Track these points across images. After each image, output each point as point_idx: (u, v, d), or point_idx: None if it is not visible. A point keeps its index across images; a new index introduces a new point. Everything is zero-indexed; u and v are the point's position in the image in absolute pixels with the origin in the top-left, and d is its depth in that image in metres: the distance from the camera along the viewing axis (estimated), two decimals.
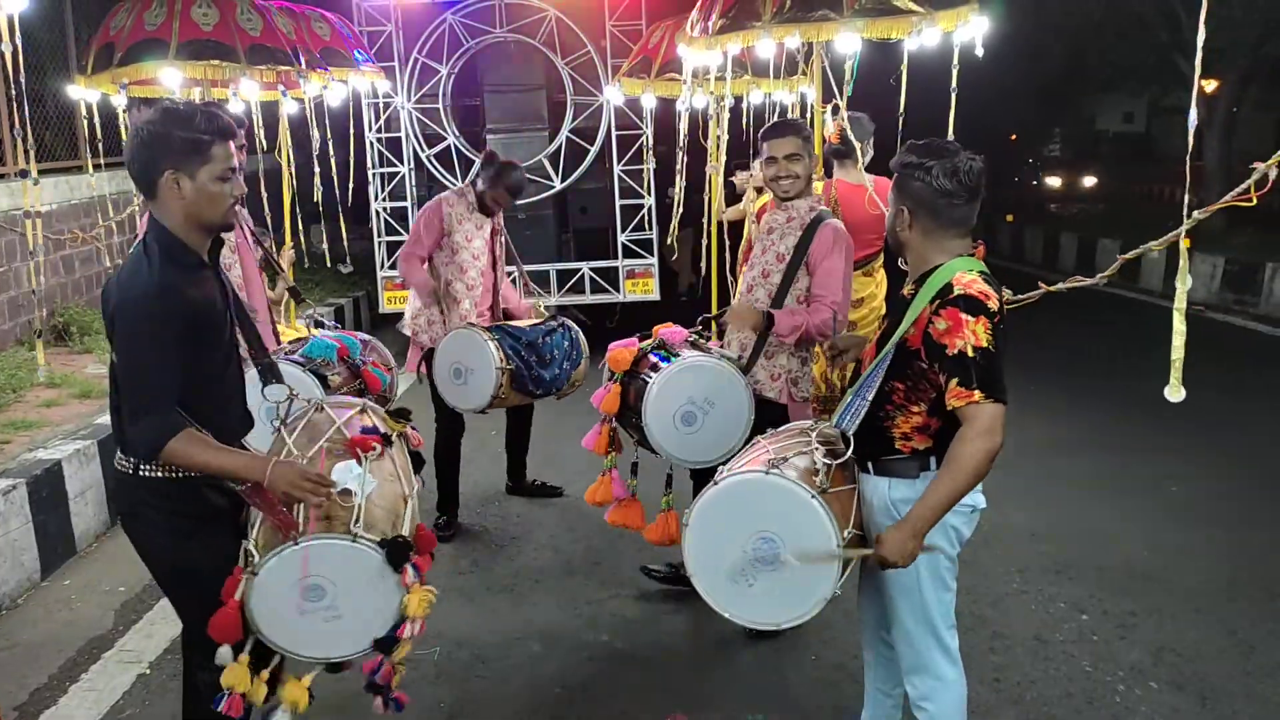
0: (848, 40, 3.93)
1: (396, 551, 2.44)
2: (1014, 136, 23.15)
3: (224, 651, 2.42)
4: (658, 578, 4.31)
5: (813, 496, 2.55)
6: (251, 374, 2.80)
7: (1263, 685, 3.55)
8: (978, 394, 2.39)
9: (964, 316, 2.42)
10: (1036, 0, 13.26)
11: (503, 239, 5.12)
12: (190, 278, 2.44)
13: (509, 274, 5.18)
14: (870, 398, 2.62)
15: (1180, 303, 2.88)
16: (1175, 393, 2.91)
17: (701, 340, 3.97)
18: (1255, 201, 2.64)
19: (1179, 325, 2.86)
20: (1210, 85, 13.90)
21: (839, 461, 2.66)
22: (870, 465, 2.68)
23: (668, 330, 3.97)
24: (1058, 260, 14.74)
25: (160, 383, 2.34)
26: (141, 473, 2.44)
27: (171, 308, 2.35)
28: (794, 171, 3.76)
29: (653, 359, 3.88)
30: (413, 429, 2.98)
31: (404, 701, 2.68)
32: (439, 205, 4.97)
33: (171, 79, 5.20)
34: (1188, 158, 2.96)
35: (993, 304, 2.44)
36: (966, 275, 2.48)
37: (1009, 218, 16.77)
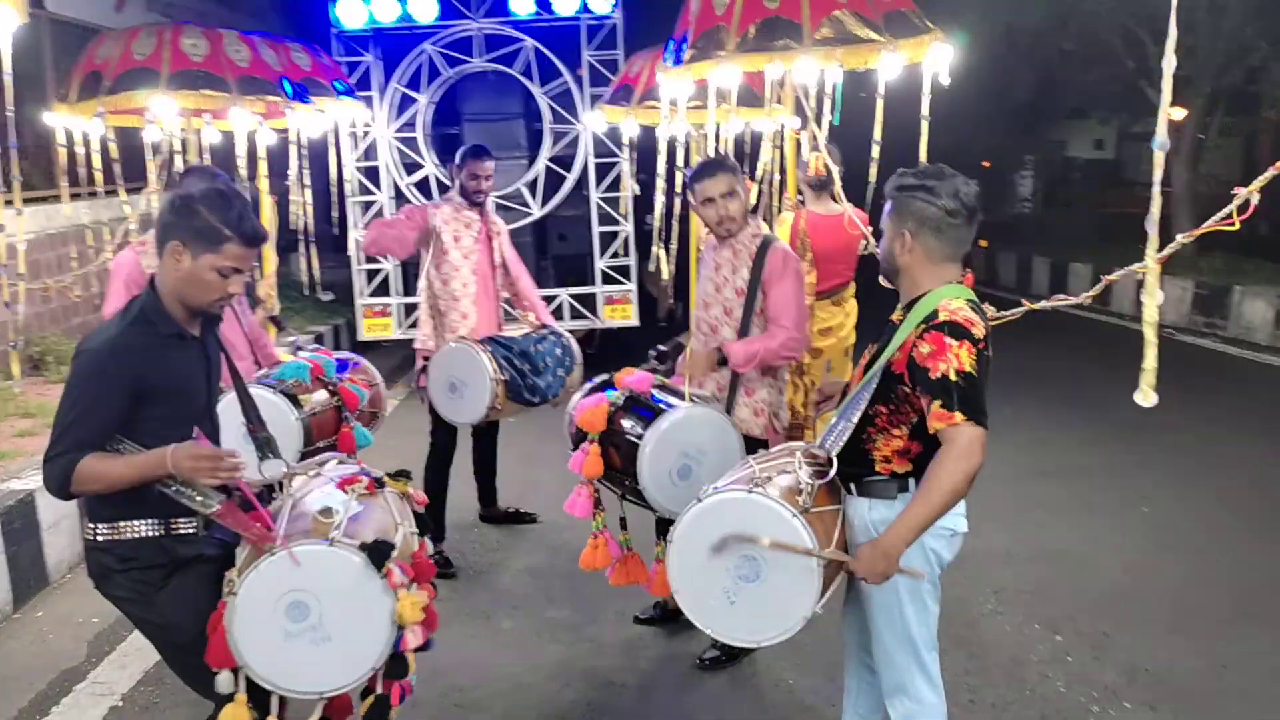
0: (809, 69, 4.01)
1: (377, 553, 2.42)
2: (987, 164, 23.42)
3: (223, 678, 2.42)
4: (649, 620, 4.26)
5: (794, 515, 2.55)
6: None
7: (1236, 704, 3.60)
8: (958, 416, 2.42)
9: (948, 341, 2.45)
10: (1006, 29, 13.47)
11: (500, 242, 5.13)
12: (158, 344, 2.48)
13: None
14: (855, 420, 2.65)
15: (1150, 315, 2.95)
16: (1147, 398, 2.96)
17: (668, 382, 3.82)
18: (1238, 226, 2.71)
19: (1150, 336, 2.94)
20: (1178, 113, 14.14)
21: (823, 481, 2.68)
22: (853, 486, 2.71)
23: (631, 378, 3.77)
24: (1031, 284, 14.91)
25: (78, 433, 2.39)
26: (100, 538, 2.49)
27: (118, 367, 2.40)
28: (731, 212, 3.78)
29: (628, 414, 3.67)
30: (416, 491, 2.93)
31: None
32: (424, 207, 5.09)
33: (164, 107, 5.23)
34: (1156, 184, 3.02)
35: (977, 331, 2.48)
36: (953, 302, 2.51)
37: (983, 243, 16.94)
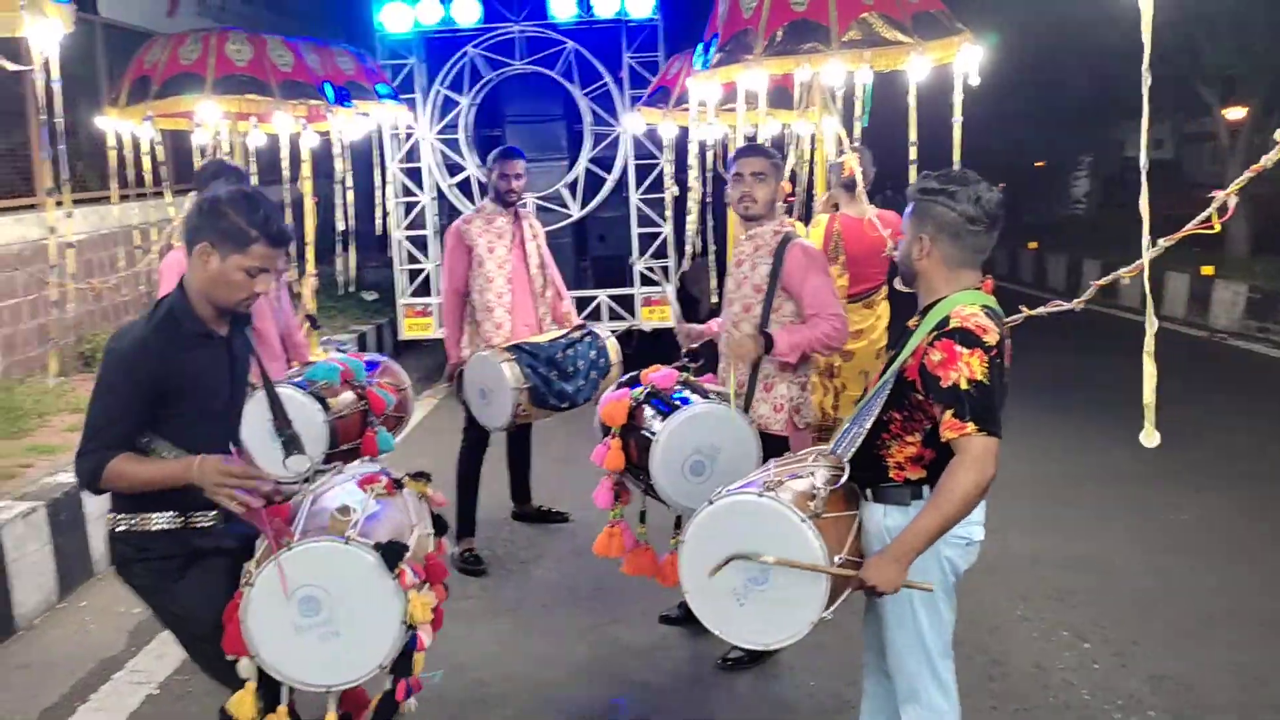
0: (837, 72, 4.00)
1: (391, 553, 2.45)
2: (1039, 164, 23.06)
3: (244, 665, 2.48)
4: (673, 620, 4.29)
5: (803, 520, 2.55)
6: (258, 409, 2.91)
7: (1262, 715, 3.53)
8: (970, 426, 2.40)
9: (959, 349, 2.44)
10: (1055, 30, 13.27)
11: (537, 244, 5.17)
12: (184, 343, 2.55)
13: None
14: (867, 425, 2.65)
15: (1149, 346, 2.89)
16: (1149, 437, 2.87)
17: (693, 379, 3.88)
18: (1218, 228, 2.68)
19: (1149, 369, 2.86)
20: (1237, 114, 13.83)
21: (834, 487, 2.68)
22: (869, 492, 2.71)
23: (657, 374, 3.84)
24: (1080, 287, 14.65)
25: (108, 430, 2.46)
26: (121, 528, 2.57)
27: (144, 365, 2.47)
28: (755, 193, 3.79)
29: (648, 409, 3.75)
30: (435, 493, 2.98)
31: None
32: (455, 228, 5.08)
33: (209, 112, 5.37)
34: (1144, 200, 2.96)
35: (989, 338, 2.46)
36: (967, 309, 2.50)
37: (1032, 245, 16.72)
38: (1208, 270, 11.29)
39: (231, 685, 2.56)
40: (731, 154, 6.27)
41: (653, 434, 3.62)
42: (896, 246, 5.08)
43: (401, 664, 2.53)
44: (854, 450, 2.67)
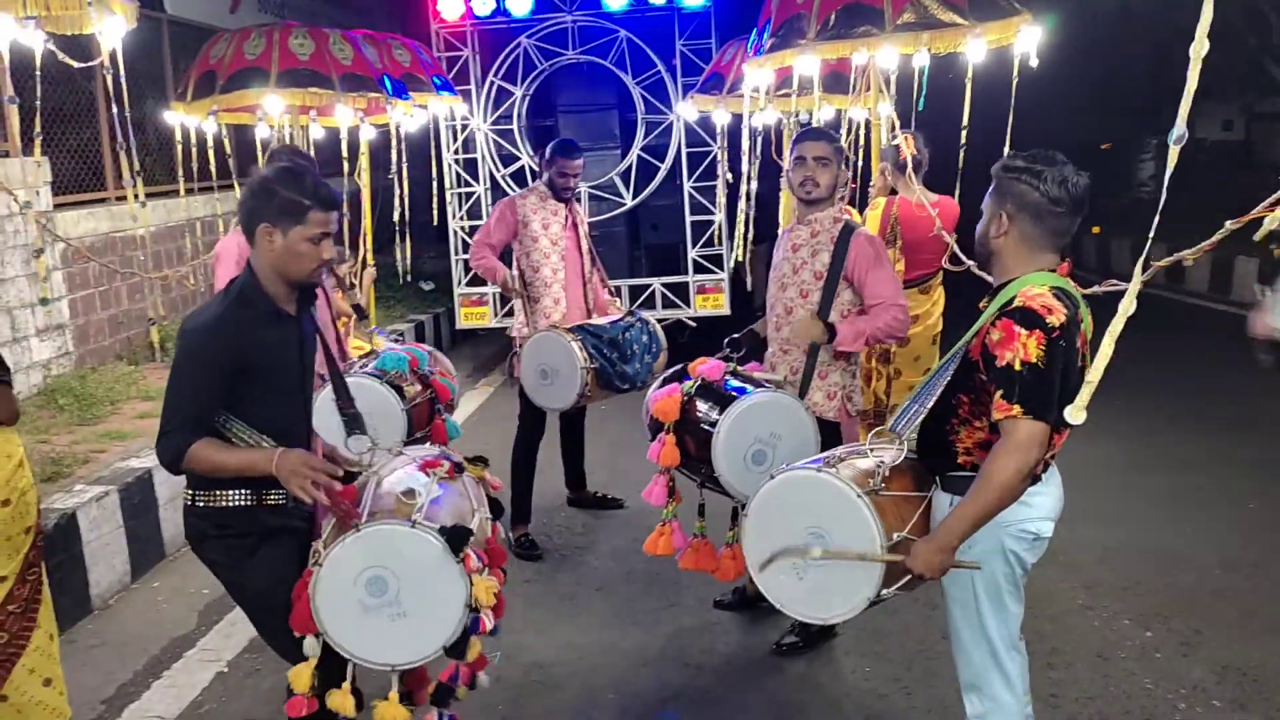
0: (891, 56, 3.96)
1: (456, 537, 2.50)
2: (1106, 146, 22.57)
3: (309, 643, 2.55)
4: (728, 605, 4.31)
5: (859, 496, 2.55)
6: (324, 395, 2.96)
7: None
8: (1016, 409, 2.37)
9: (1017, 329, 2.40)
10: (1120, 10, 12.97)
11: (585, 229, 5.24)
12: (258, 322, 2.62)
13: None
14: (929, 404, 2.62)
15: (1116, 327, 2.78)
16: (1076, 415, 2.74)
17: (740, 369, 3.85)
18: None
19: (1106, 349, 2.75)
20: None
21: (894, 464, 2.67)
22: (939, 480, 2.69)
23: (704, 366, 3.80)
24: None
25: (188, 409, 2.54)
26: (199, 503, 2.65)
27: (220, 345, 2.55)
28: (819, 177, 3.76)
29: (701, 402, 3.71)
30: (493, 477, 3.02)
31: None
32: (511, 200, 5.15)
33: (273, 105, 5.49)
34: (1166, 179, 2.85)
35: (1053, 319, 2.40)
36: (1035, 289, 2.45)
37: (1095, 230, 16.36)
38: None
39: (295, 659, 2.63)
40: (787, 140, 6.29)
41: (712, 425, 3.61)
42: (956, 234, 5.05)
43: (457, 648, 2.56)
44: (914, 427, 2.66)
